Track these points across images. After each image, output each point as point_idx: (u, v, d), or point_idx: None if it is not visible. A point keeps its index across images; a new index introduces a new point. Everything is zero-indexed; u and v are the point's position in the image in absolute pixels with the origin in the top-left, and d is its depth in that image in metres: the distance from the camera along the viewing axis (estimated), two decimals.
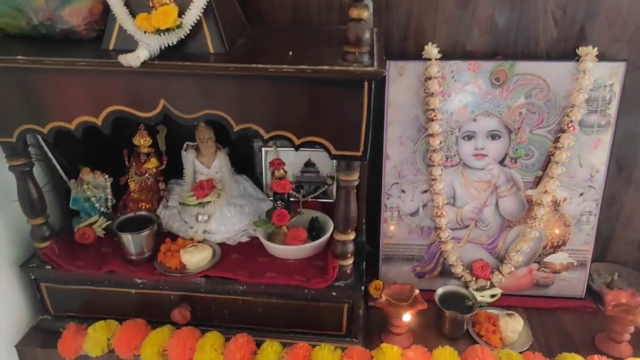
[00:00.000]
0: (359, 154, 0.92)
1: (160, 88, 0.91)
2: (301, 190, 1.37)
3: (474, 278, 1.33)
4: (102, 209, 1.28)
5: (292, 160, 1.36)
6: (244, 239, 1.24)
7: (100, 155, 1.31)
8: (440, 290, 1.21)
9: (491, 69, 1.18)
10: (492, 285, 1.33)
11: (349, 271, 1.08)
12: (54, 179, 1.25)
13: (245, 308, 1.13)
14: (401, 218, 1.32)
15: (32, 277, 1.16)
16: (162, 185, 1.32)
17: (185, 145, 1.30)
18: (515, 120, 1.22)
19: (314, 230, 1.22)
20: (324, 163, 1.37)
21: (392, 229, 1.33)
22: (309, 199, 1.38)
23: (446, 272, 1.35)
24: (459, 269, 1.33)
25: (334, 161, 1.34)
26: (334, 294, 1.08)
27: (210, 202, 1.22)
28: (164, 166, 1.32)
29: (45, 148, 1.20)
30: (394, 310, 1.10)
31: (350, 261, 1.08)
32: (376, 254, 1.36)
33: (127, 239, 1.10)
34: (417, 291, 1.15)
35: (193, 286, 1.12)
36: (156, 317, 1.14)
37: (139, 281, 1.13)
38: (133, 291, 1.14)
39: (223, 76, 0.88)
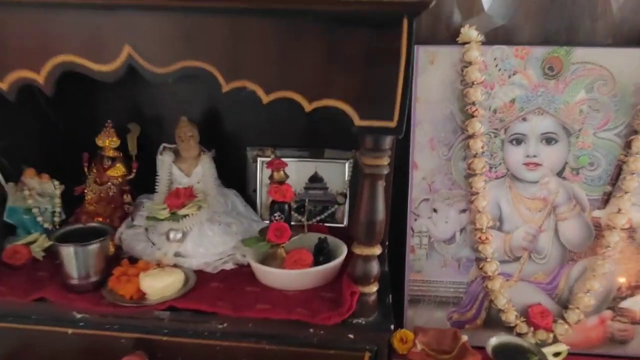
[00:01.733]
0: (393, 124, 0.69)
1: (124, 30, 0.69)
2: (304, 212, 1.11)
3: (532, 329, 1.03)
4: (45, 225, 1.01)
5: (294, 174, 1.11)
6: (229, 266, 0.97)
7: (52, 157, 1.07)
8: (493, 341, 0.92)
9: (543, 55, 0.99)
10: (555, 340, 1.03)
11: (371, 302, 0.80)
12: None
13: (225, 358, 0.82)
14: (432, 246, 1.05)
15: None
16: (127, 198, 1.06)
17: (161, 147, 1.06)
18: (575, 120, 1.00)
19: (322, 255, 0.95)
20: (334, 177, 1.13)
21: (421, 262, 1.05)
22: (315, 222, 1.12)
23: (493, 321, 1.06)
24: (511, 316, 1.04)
25: (347, 176, 1.10)
26: (350, 336, 0.79)
27: (187, 215, 0.96)
28: (132, 175, 1.07)
29: None
30: None
31: (374, 288, 0.80)
32: (399, 295, 1.07)
33: (68, 253, 0.83)
34: (464, 338, 0.86)
35: (153, 324, 0.82)
36: None
37: (79, 315, 0.83)
38: (70, 331, 0.84)
39: (209, 11, 0.67)
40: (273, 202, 0.94)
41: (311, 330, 0.80)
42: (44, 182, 1.00)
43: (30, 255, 0.95)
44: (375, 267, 0.79)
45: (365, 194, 0.75)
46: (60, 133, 1.15)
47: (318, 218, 1.13)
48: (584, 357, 1.03)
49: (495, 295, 1.04)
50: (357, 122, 0.70)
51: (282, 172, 0.94)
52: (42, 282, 0.89)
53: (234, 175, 1.15)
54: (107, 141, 1.05)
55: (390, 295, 0.88)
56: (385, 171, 0.74)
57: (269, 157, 1.14)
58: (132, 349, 0.83)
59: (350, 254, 0.80)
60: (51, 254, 0.97)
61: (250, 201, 1.15)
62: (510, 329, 1.04)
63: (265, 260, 0.93)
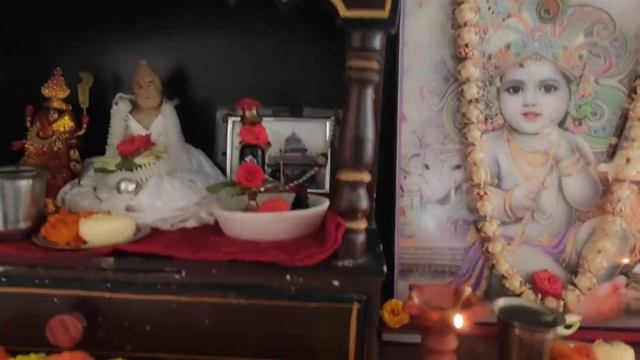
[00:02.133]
0: (384, 14, 0.60)
1: None
2: (280, 176, 0.99)
3: (539, 296, 0.91)
4: None
5: (269, 135, 1.00)
6: (190, 224, 0.83)
7: None
8: (502, 302, 0.79)
9: None
10: (565, 310, 0.91)
11: (360, 242, 0.67)
12: None
13: (181, 319, 0.68)
14: (425, 207, 0.94)
15: None
16: (74, 155, 0.92)
17: (117, 97, 0.94)
18: (575, 66, 0.93)
19: (301, 208, 0.82)
20: (314, 138, 1.02)
21: (411, 225, 0.94)
22: (292, 186, 0.99)
23: (495, 291, 0.94)
24: (515, 282, 0.92)
25: (328, 135, 1.00)
26: (335, 282, 0.66)
27: (143, 165, 0.83)
28: (82, 131, 0.94)
29: None
30: (435, 315, 0.67)
31: (362, 225, 0.68)
32: (389, 265, 0.93)
33: None
34: (468, 290, 0.73)
35: (93, 275, 0.67)
36: (26, 338, 0.67)
37: (1, 268, 0.67)
38: None
39: None
40: (244, 147, 0.82)
41: (288, 277, 0.66)
42: None
43: None
44: (364, 198, 0.67)
45: (353, 104, 0.64)
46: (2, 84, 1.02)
47: (296, 182, 1.01)
48: (597, 331, 0.90)
49: (496, 259, 0.92)
50: (343, 12, 0.60)
51: (254, 112, 0.82)
52: None
53: (200, 138, 1.03)
54: (55, 91, 0.92)
55: (381, 248, 0.76)
56: (376, 77, 0.64)
57: (238, 117, 1.02)
58: (68, 310, 0.67)
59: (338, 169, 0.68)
60: None
61: (219, 167, 1.02)
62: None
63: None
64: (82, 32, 1.04)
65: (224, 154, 1.03)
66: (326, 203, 0.80)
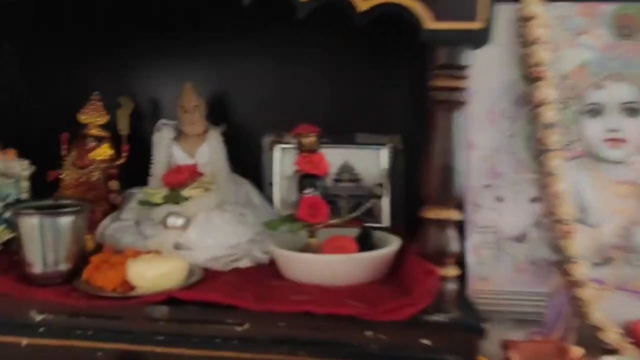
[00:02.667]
0: (476, 26, 0.52)
1: None
2: (336, 209, 0.91)
3: None
4: (5, 215, 0.79)
5: None
6: (244, 263, 0.75)
7: (24, 134, 0.88)
8: None
9: (612, 13, 0.85)
10: None
11: (451, 292, 0.58)
12: None
13: None
14: (500, 246, 0.85)
15: None
16: (114, 186, 0.85)
17: (159, 123, 0.88)
18: None
19: (367, 248, 0.74)
20: (367, 166, 0.95)
21: (486, 266, 0.85)
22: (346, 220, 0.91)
23: (587, 344, 0.83)
24: (612, 335, 0.81)
25: (384, 163, 0.92)
26: (425, 341, 0.57)
27: (191, 198, 0.75)
28: (122, 160, 0.88)
29: None
30: None
31: (453, 272, 0.59)
32: None
33: (30, 227, 0.61)
34: (578, 352, 0.63)
35: (144, 326, 0.59)
36: None
37: (39, 317, 0.60)
38: (24, 341, 0.61)
39: None
40: (302, 177, 0.75)
41: (369, 333, 0.57)
42: (8, 160, 0.80)
43: None
44: (454, 239, 0.58)
45: (438, 129, 0.56)
46: (32, 106, 0.97)
47: (351, 216, 0.92)
48: None
49: (587, 307, 0.81)
50: (428, 24, 0.53)
51: (313, 138, 0.75)
52: None
53: (245, 168, 0.96)
54: (93, 117, 0.87)
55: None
56: (463, 98, 0.56)
57: (288, 144, 0.95)
58: None
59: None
60: (10, 251, 0.75)
61: (266, 198, 0.95)
62: (610, 353, 0.81)
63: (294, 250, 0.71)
64: (119, 55, 0.99)
65: (271, 184, 0.96)
66: (397, 242, 0.72)
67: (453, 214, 0.58)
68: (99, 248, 0.77)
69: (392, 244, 0.70)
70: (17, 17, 0.96)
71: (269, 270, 0.72)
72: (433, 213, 0.58)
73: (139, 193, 0.87)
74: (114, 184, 0.85)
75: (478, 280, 0.84)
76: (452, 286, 0.59)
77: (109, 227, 0.81)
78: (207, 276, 0.68)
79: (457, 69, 0.55)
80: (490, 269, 0.85)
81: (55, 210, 0.64)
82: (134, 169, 0.90)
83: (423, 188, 0.59)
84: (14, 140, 0.86)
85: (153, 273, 0.61)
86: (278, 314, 0.58)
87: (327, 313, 0.57)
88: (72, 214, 0.63)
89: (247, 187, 0.90)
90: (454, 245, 0.58)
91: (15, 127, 0.91)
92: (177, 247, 0.74)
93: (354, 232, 0.76)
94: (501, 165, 0.86)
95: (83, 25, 0.97)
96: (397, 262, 0.70)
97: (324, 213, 0.70)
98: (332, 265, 0.65)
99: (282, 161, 0.96)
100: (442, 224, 0.58)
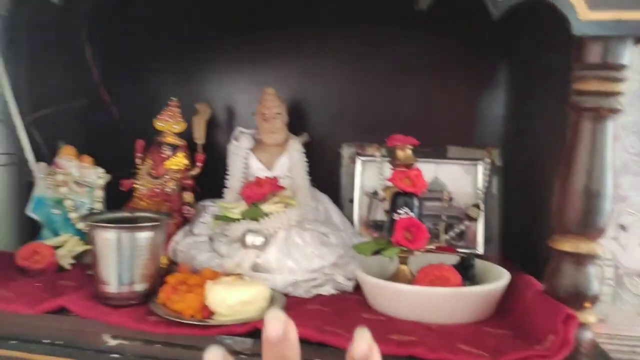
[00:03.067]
0: None
1: None
2: (441, 233, 0.83)
3: None
4: (79, 226, 0.77)
5: None
6: (327, 290, 0.67)
7: (97, 141, 0.86)
8: None
9: None
10: None
11: (588, 344, 0.48)
12: (14, 161, 0.78)
13: None
14: (621, 282, 0.73)
15: None
16: (188, 198, 0.81)
17: (236, 131, 0.83)
18: None
19: (467, 279, 0.64)
20: (460, 183, 0.85)
21: (605, 305, 0.73)
22: (437, 246, 0.82)
23: None
24: None
25: (480, 181, 0.82)
26: None
27: (271, 214, 0.69)
28: (197, 170, 0.83)
29: (12, 106, 0.76)
30: None
31: (592, 318, 0.49)
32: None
33: (107, 241, 0.57)
34: None
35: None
36: None
37: (114, 341, 0.55)
38: None
39: None
40: (396, 195, 0.67)
41: None
42: (84, 167, 0.78)
43: (54, 260, 0.70)
44: (596, 278, 0.48)
45: (584, 144, 0.46)
46: (110, 113, 0.95)
47: (442, 240, 0.83)
48: None
49: None
50: (584, 14, 0.43)
51: (408, 151, 0.67)
52: (64, 291, 0.63)
53: (322, 181, 0.89)
54: (169, 124, 0.83)
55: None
56: (619, 106, 0.46)
57: (373, 156, 0.88)
58: None
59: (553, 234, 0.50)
60: (83, 264, 0.72)
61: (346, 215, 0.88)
62: None
63: (383, 277, 0.63)
64: (194, 61, 0.96)
65: (351, 201, 0.88)
66: (506, 274, 0.62)
67: (596, 248, 0.48)
68: (173, 267, 0.72)
69: (502, 277, 0.61)
70: (96, 22, 0.95)
71: (354, 299, 0.64)
72: (570, 245, 0.48)
73: (212, 206, 0.83)
74: (188, 196, 0.81)
75: (596, 323, 0.73)
76: (588, 335, 0.49)
77: (180, 243, 0.76)
78: (289, 305, 0.61)
79: (613, 69, 0.45)
80: (610, 309, 0.73)
81: (133, 224, 0.59)
82: (206, 179, 0.85)
83: (557, 214, 0.49)
84: (89, 147, 0.84)
85: (236, 300, 0.55)
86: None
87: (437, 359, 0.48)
88: (152, 229, 0.58)
89: (326, 204, 0.83)
90: (594, 287, 0.48)
91: (89, 134, 0.89)
92: (256, 268, 0.68)
93: (452, 259, 0.67)
94: (626, 187, 0.74)
95: (159, 27, 0.95)
96: (504, 298, 0.60)
97: (423, 237, 0.61)
98: (437, 299, 0.56)
99: (363, 175, 0.88)
100: (582, 259, 0.48)
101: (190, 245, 0.76)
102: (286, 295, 0.65)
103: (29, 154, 0.75)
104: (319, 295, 0.67)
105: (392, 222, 0.65)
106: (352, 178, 0.90)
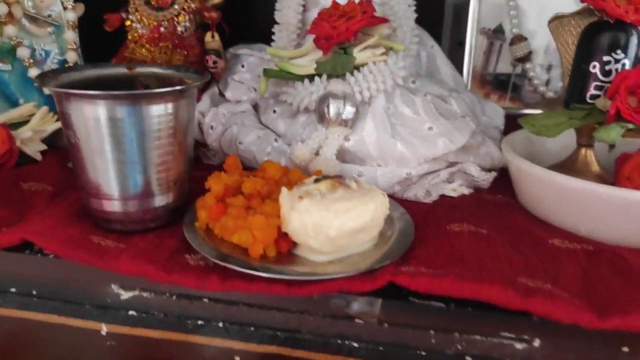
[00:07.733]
0: None
1: None
2: None
3: None
4: (46, 90, 0.51)
5: None
6: (457, 189, 0.44)
7: None
8: None
9: None
10: None
11: None
12: None
13: None
14: None
15: None
16: (212, 42, 0.53)
17: None
18: None
19: None
20: None
21: None
22: None
23: None
24: None
25: None
26: None
27: (366, 67, 0.43)
28: None
29: None
30: None
31: None
32: None
33: (93, 122, 0.31)
34: None
35: (321, 326, 0.31)
36: None
37: (127, 295, 0.33)
38: (104, 329, 0.35)
39: None
40: (595, 28, 0.40)
41: None
42: None
43: (13, 147, 0.46)
44: None
45: None
46: None
47: None
48: None
49: None
50: None
51: None
52: (34, 204, 0.40)
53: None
54: None
55: None
56: None
57: None
58: None
59: None
60: (60, 150, 0.49)
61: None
62: None
63: (573, 166, 0.39)
64: None
65: (461, 43, 0.61)
66: None
67: None
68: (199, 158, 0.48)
69: None
70: None
71: (504, 203, 0.42)
72: None
73: (252, 55, 0.56)
74: (211, 39, 0.53)
75: None
76: None
77: (208, 115, 0.51)
78: (419, 225, 0.38)
79: None
80: None
81: (139, 90, 0.33)
82: (237, 14, 0.57)
83: None
84: None
85: (347, 228, 0.32)
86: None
87: None
88: (174, 96, 0.33)
89: (430, 49, 0.56)
90: None
91: None
92: (341, 156, 0.44)
93: None
94: None
95: None
96: None
97: None
98: None
99: (481, 5, 0.60)
100: None
101: (225, 118, 0.51)
102: (391, 197, 0.42)
103: None
104: (443, 198, 0.44)
105: (586, 77, 0.39)
106: (462, 9, 0.62)
